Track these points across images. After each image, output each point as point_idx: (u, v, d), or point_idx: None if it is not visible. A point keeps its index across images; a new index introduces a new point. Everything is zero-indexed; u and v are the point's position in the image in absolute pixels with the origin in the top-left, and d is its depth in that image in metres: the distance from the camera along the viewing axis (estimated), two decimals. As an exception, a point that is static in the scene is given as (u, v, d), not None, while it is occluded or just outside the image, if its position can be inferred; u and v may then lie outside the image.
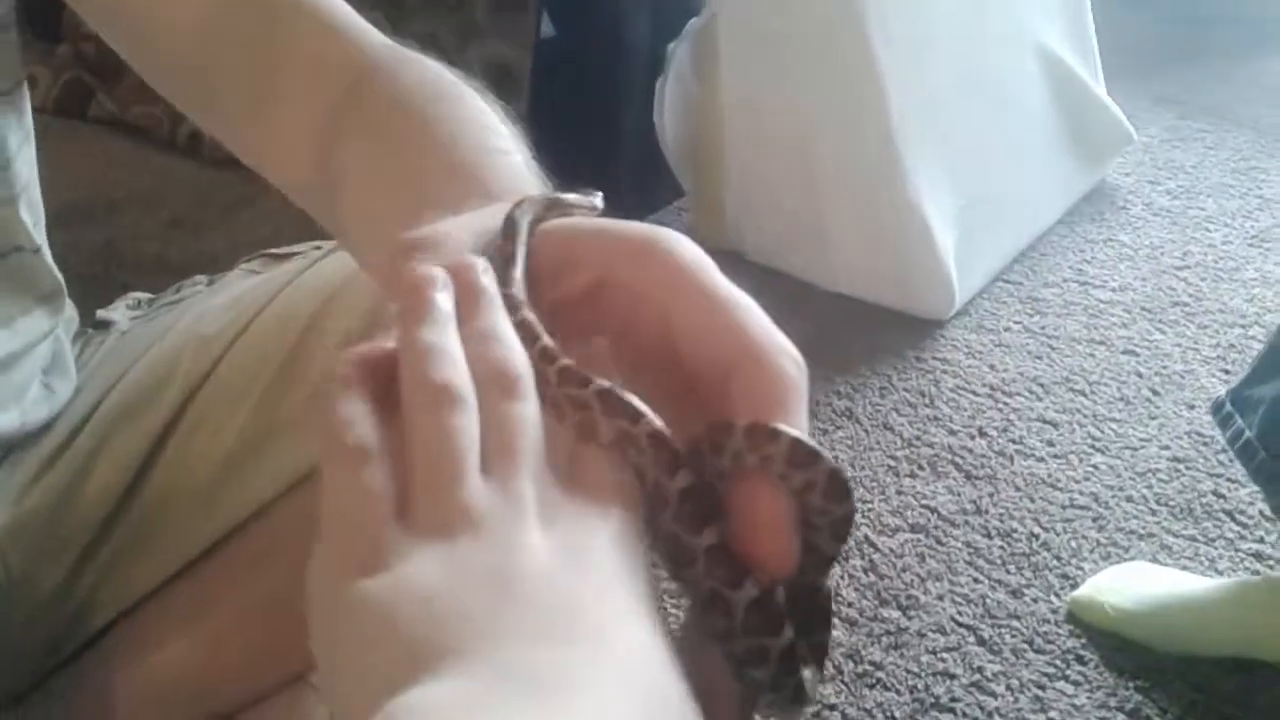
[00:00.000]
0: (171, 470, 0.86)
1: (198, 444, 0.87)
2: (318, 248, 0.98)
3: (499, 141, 0.45)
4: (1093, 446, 1.25)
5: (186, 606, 0.87)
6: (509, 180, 0.42)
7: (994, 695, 0.96)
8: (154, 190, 1.74)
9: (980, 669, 0.99)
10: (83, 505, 0.83)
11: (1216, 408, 1.02)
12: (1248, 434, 0.97)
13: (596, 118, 1.62)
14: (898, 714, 0.95)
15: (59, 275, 0.84)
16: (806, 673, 0.29)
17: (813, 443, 0.29)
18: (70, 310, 0.93)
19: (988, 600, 1.06)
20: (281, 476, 0.86)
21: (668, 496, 0.28)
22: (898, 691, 0.97)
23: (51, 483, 0.83)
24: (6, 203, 0.76)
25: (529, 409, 0.29)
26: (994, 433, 1.28)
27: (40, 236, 0.79)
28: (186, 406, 0.87)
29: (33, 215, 0.78)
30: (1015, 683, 0.97)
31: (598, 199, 0.39)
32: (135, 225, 1.65)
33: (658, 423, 0.29)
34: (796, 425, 0.30)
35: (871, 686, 0.97)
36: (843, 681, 0.98)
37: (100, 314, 0.98)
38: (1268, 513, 1.14)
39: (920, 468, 1.23)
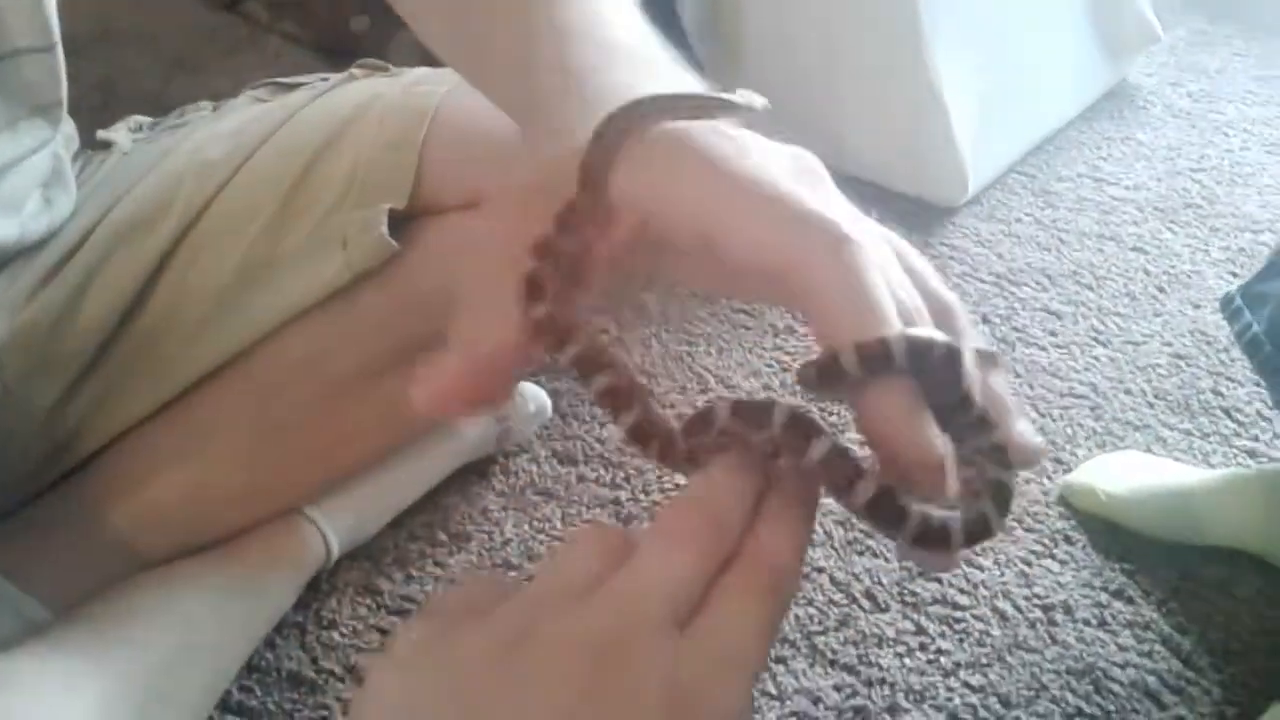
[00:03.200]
0: (170, 296, 0.85)
1: (197, 272, 0.85)
2: (324, 79, 0.95)
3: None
4: (1095, 339, 1.25)
5: (183, 435, 0.86)
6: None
7: (981, 569, 0.97)
8: (155, 28, 1.69)
9: (969, 543, 0.99)
10: (80, 323, 0.82)
11: (1226, 302, 1.01)
12: (1255, 328, 0.97)
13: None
14: (884, 580, 0.96)
15: (64, 84, 0.81)
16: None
17: (902, 334, 0.28)
18: (70, 127, 0.90)
19: (980, 479, 1.06)
20: (281, 309, 0.85)
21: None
22: (886, 559, 0.97)
23: (50, 298, 0.82)
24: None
25: None
26: (998, 320, 1.27)
27: (53, 33, 0.76)
28: (187, 233, 0.86)
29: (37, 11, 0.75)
30: (1003, 558, 0.98)
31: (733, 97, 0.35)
32: (135, 62, 1.60)
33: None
34: (866, 306, 0.28)
35: (860, 553, 0.98)
36: (832, 547, 0.98)
37: (101, 134, 0.96)
38: (1264, 411, 1.14)
39: (921, 349, 1.22)
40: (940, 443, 0.28)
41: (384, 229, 0.80)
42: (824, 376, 0.28)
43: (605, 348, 0.32)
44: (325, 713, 0.86)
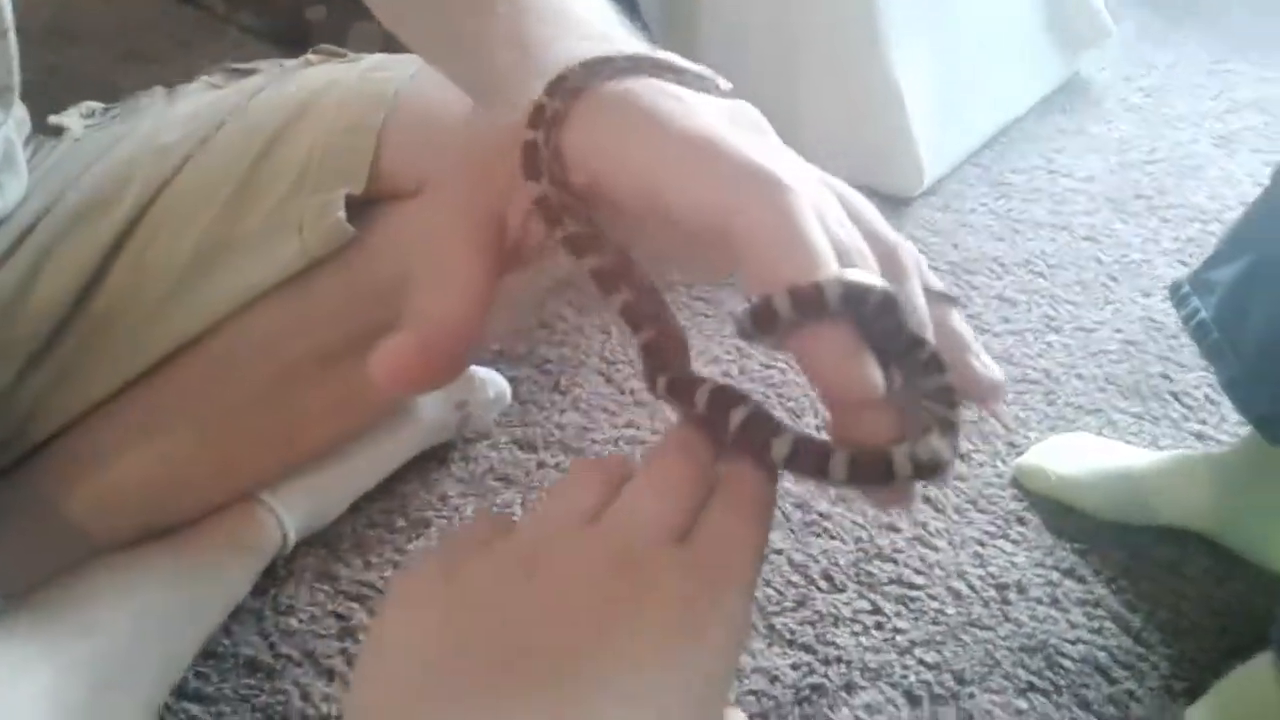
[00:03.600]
0: (125, 279, 0.85)
1: (152, 254, 0.85)
2: (280, 65, 0.95)
3: None
4: (1048, 326, 1.27)
5: (138, 419, 0.86)
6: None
7: (935, 549, 0.99)
8: (110, 18, 1.67)
9: (924, 524, 1.01)
10: (33, 306, 0.81)
11: (1174, 289, 1.03)
12: (1202, 314, 0.99)
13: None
14: (842, 561, 0.97)
15: (16, 69, 0.80)
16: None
17: (836, 277, 0.28)
18: (21, 111, 0.89)
19: (936, 463, 1.07)
20: (238, 292, 0.84)
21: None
22: (843, 541, 0.99)
23: (1, 281, 0.81)
24: None
25: None
26: (953, 308, 1.29)
27: (5, 19, 0.75)
28: (143, 215, 0.85)
29: None
30: (957, 539, 1.00)
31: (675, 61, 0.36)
32: (89, 51, 1.59)
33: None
34: (799, 249, 0.29)
35: (818, 535, 0.99)
36: (790, 529, 0.99)
37: (53, 119, 0.95)
38: (1212, 395, 1.17)
39: (878, 336, 1.24)
40: (878, 381, 0.28)
41: (341, 214, 0.79)
42: (758, 321, 0.28)
43: (600, 232, 0.32)
44: (283, 698, 0.86)
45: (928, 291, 0.32)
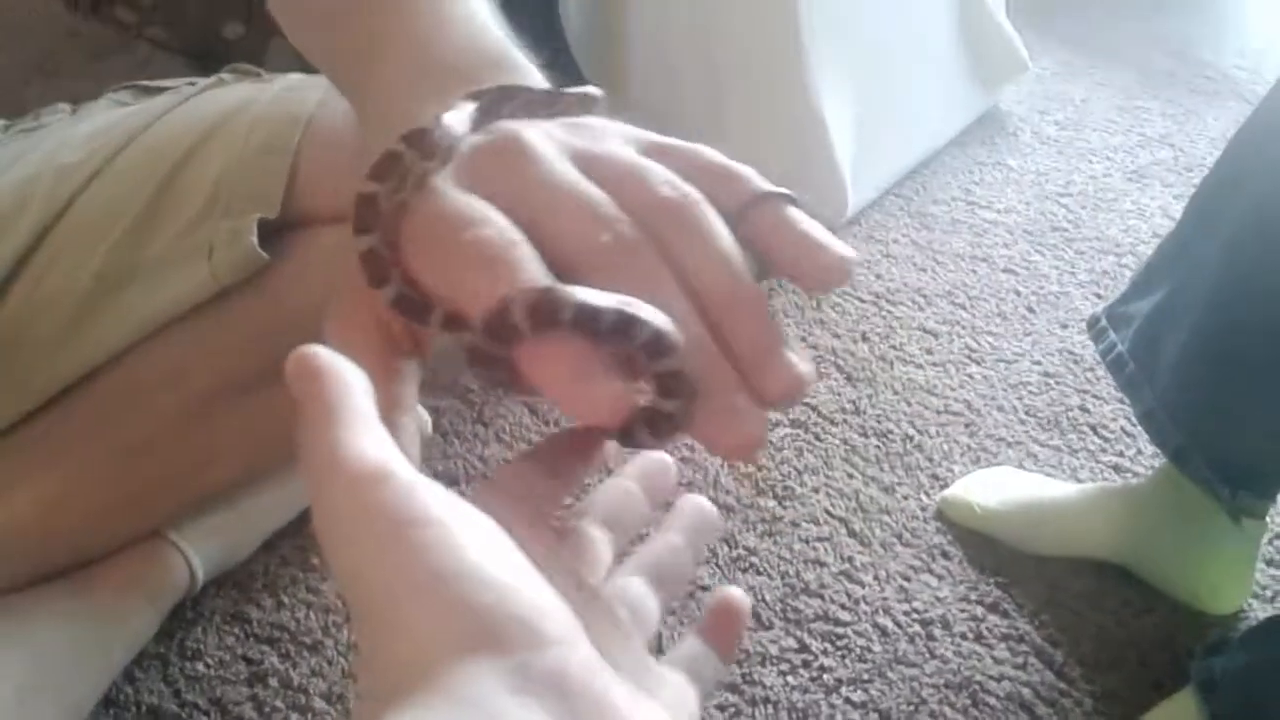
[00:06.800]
0: (24, 307, 0.80)
1: (52, 281, 0.81)
2: (192, 83, 0.91)
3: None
4: (969, 357, 1.28)
5: (36, 453, 0.81)
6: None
7: (861, 584, 0.98)
8: (14, 29, 1.61)
9: (850, 559, 1.00)
10: (-79, 337, 0.77)
11: (1092, 323, 1.05)
12: (1119, 347, 1.00)
13: (499, 2, 1.56)
14: (769, 597, 0.96)
15: None
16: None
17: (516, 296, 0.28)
18: (-86, 129, 0.85)
19: (860, 495, 1.07)
20: (142, 321, 0.80)
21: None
22: (769, 576, 0.97)
23: (-112, 305, 0.76)
24: None
25: None
26: (876, 338, 1.29)
27: None
28: (41, 241, 0.81)
29: None
30: (883, 573, 0.99)
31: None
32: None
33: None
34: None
35: (745, 570, 0.98)
36: (717, 565, 0.98)
37: (-51, 136, 0.90)
38: (1128, 428, 1.19)
39: (803, 367, 1.23)
40: (612, 408, 0.28)
41: (253, 239, 0.76)
42: (493, 330, 0.29)
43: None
44: (188, 748, 0.82)
45: (761, 194, 0.33)
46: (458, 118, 0.33)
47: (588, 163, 0.33)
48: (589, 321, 0.28)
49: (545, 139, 0.34)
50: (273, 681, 0.86)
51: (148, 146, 0.83)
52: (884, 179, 1.59)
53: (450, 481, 1.03)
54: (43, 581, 0.82)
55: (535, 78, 0.38)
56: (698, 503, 0.39)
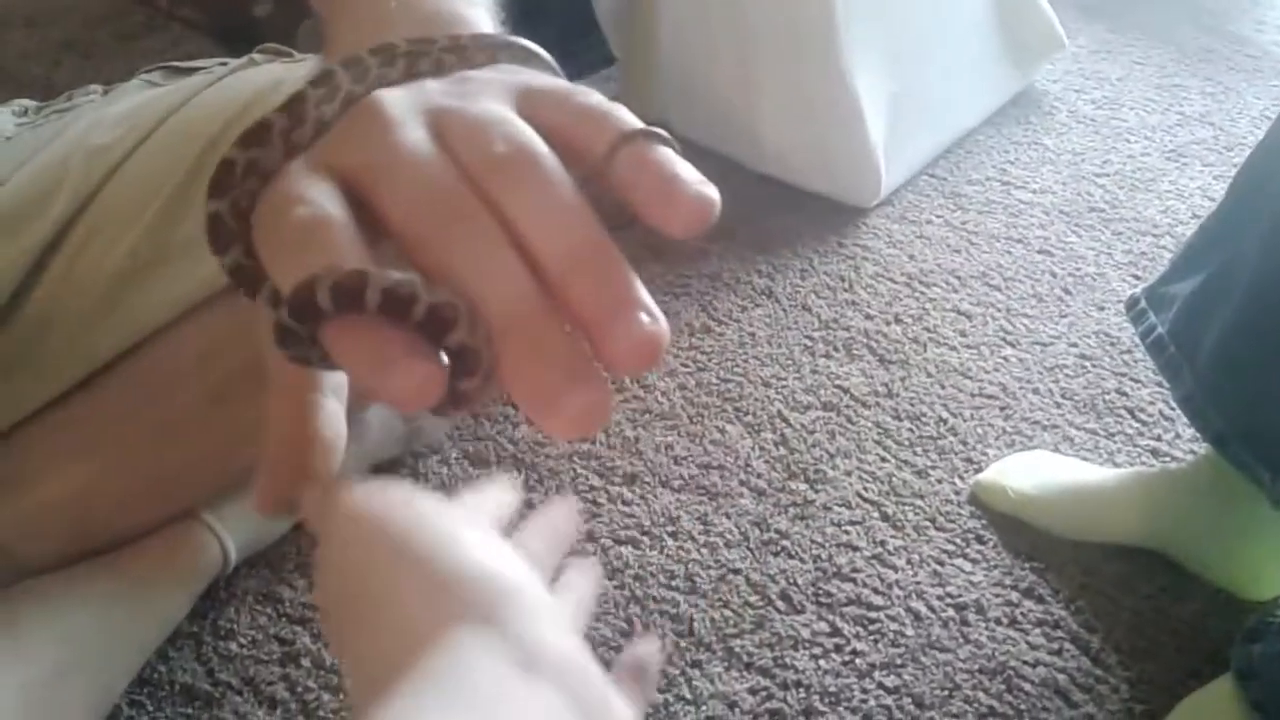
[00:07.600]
0: (56, 288, 0.80)
1: (85, 262, 0.81)
2: (224, 63, 0.91)
3: None
4: (1004, 339, 1.26)
5: (68, 435, 0.82)
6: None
7: (894, 568, 0.97)
8: (48, 11, 1.61)
9: (883, 543, 0.99)
10: (-45, 320, 0.77)
11: (1131, 304, 1.03)
12: (1159, 329, 0.98)
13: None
14: (800, 581, 0.95)
15: None
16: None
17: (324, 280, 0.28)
18: (-53, 110, 0.85)
19: (894, 479, 1.06)
20: (173, 302, 0.80)
21: None
22: (801, 560, 0.97)
23: (-77, 292, 0.76)
24: None
25: None
26: (909, 320, 1.28)
27: None
28: (74, 221, 0.81)
29: None
30: (915, 557, 0.98)
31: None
32: (24, 45, 1.53)
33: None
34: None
35: (776, 554, 0.97)
36: (748, 548, 0.97)
37: (-17, 117, 0.90)
38: (1167, 411, 1.17)
39: (835, 349, 1.22)
40: (406, 384, 0.27)
41: None
42: (297, 311, 0.28)
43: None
44: (221, 727, 0.82)
45: (628, 133, 0.30)
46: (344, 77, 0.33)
47: (441, 123, 0.32)
48: (393, 304, 0.27)
49: (402, 100, 0.32)
50: (305, 662, 0.86)
51: (180, 127, 0.83)
52: (918, 159, 1.57)
53: (481, 463, 1.03)
54: (76, 563, 0.82)
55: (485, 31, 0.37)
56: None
